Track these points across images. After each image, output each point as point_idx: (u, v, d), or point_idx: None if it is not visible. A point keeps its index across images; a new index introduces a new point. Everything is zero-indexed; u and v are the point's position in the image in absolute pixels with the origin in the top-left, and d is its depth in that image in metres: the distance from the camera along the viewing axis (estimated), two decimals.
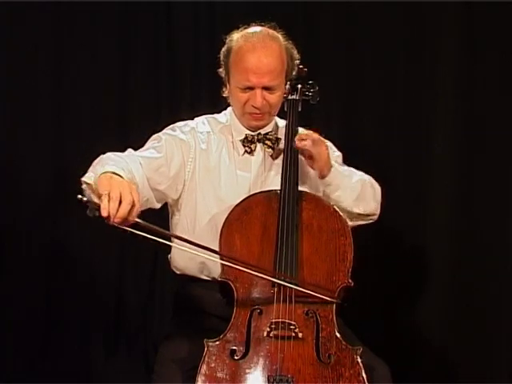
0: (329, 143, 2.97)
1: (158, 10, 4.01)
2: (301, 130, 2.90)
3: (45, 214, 3.98)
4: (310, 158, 2.80)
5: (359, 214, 2.91)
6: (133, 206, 2.43)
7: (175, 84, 4.02)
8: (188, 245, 2.58)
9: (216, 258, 2.62)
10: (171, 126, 2.97)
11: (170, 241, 2.69)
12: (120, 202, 2.41)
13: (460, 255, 3.88)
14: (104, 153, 2.55)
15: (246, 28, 2.89)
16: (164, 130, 2.95)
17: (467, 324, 3.85)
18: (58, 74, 4.00)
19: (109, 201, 2.40)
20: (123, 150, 3.97)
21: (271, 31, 2.88)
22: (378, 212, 2.99)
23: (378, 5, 3.86)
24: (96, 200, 2.48)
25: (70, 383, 3.87)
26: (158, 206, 2.88)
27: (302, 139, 2.77)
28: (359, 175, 2.96)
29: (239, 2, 3.87)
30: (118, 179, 2.52)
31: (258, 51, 2.80)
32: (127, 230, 2.48)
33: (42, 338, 4.00)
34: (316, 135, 2.82)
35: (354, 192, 2.88)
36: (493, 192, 3.84)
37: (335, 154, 2.98)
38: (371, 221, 2.99)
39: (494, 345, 3.83)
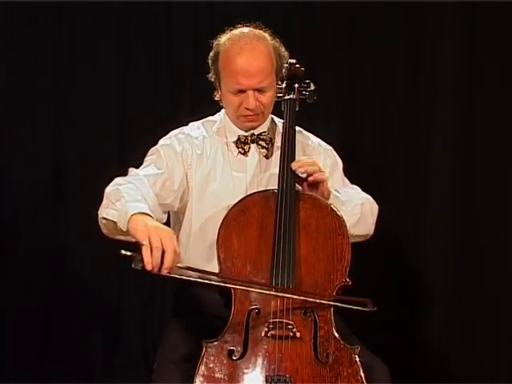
0: (330, 149, 2.98)
1: (157, 9, 4.01)
2: (298, 129, 2.90)
3: (44, 214, 3.99)
4: (314, 183, 2.75)
5: (356, 236, 2.87)
6: (175, 253, 2.46)
7: (175, 84, 4.02)
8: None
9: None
10: (167, 136, 2.93)
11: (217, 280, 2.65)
12: (163, 252, 2.44)
13: (460, 255, 3.87)
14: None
15: (231, 30, 2.86)
16: (161, 142, 2.91)
17: (467, 324, 3.84)
18: (57, 74, 4.01)
19: (151, 251, 2.43)
20: (122, 150, 4.04)
21: (258, 31, 2.85)
22: (372, 232, 2.98)
23: (378, 5, 3.86)
24: (121, 237, 2.58)
25: (70, 383, 3.87)
26: (165, 217, 2.86)
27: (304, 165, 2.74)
28: (358, 198, 2.93)
29: (239, 2, 3.87)
30: (154, 224, 2.51)
31: (245, 54, 2.77)
32: (171, 277, 2.52)
33: (41, 338, 4.00)
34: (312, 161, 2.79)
35: (354, 217, 2.86)
36: (493, 192, 3.83)
37: (338, 165, 2.97)
38: (364, 239, 2.97)
39: (493, 345, 3.82)
